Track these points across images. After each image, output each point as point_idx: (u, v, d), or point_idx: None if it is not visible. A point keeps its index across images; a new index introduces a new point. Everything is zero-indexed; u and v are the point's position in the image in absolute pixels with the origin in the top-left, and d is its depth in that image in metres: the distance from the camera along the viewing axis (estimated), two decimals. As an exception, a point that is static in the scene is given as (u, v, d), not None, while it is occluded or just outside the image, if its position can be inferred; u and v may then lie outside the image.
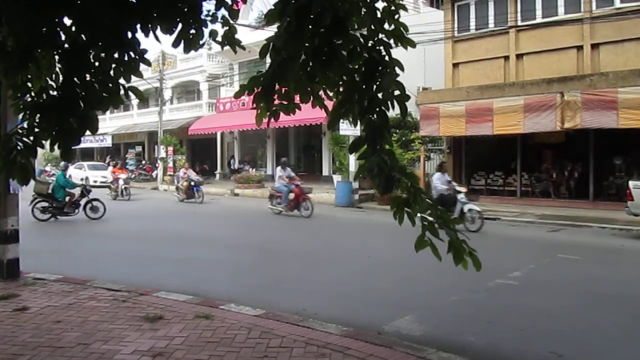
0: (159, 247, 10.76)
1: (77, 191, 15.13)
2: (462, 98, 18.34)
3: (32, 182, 3.55)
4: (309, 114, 16.95)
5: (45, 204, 14.43)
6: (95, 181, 29.52)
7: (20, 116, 3.28)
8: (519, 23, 18.38)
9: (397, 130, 22.61)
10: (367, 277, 8.03)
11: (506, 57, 18.74)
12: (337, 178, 21.41)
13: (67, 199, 14.64)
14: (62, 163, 16.66)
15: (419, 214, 3.11)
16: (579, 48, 17.06)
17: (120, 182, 21.92)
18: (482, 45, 19.36)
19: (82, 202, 14.94)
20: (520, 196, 18.82)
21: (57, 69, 3.29)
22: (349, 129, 18.68)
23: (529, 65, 18.22)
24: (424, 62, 22.36)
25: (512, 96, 17.01)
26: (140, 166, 36.01)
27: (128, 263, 8.98)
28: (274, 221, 15.54)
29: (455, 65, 20.14)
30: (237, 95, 3.30)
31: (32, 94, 3.34)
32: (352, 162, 19.97)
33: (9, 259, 7.03)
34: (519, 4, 18.39)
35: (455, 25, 19.99)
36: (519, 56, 18.47)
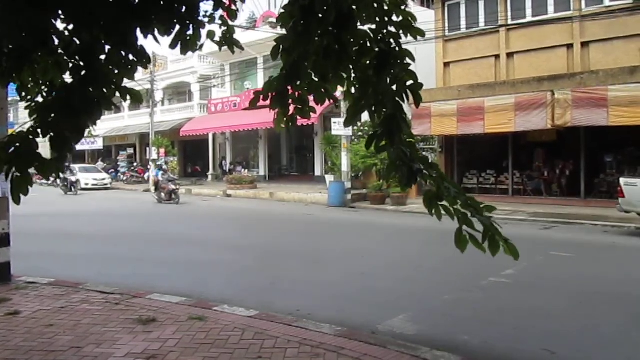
0: (154, 248, 10.71)
1: None
2: (454, 97, 18.41)
3: None
4: (301, 114, 17.06)
5: None
6: (86, 184, 29.37)
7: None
8: (510, 22, 18.48)
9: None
10: (360, 277, 8.02)
11: (497, 56, 18.83)
12: (329, 178, 21.42)
13: None
14: None
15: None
16: (569, 46, 17.18)
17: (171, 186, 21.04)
18: (472, 45, 19.43)
19: None
20: (512, 194, 18.92)
21: (53, 73, 3.22)
22: (340, 130, 18.72)
23: (519, 64, 18.31)
24: (415, 61, 22.38)
25: (503, 95, 17.10)
26: (132, 168, 35.84)
27: (122, 265, 8.92)
28: (267, 222, 15.51)
29: (446, 64, 20.21)
30: (253, 103, 3.22)
31: (29, 97, 3.27)
32: (345, 162, 19.99)
33: (0, 262, 6.98)
34: (509, 3, 18.49)
35: (446, 25, 20.05)
36: (510, 55, 18.57)
